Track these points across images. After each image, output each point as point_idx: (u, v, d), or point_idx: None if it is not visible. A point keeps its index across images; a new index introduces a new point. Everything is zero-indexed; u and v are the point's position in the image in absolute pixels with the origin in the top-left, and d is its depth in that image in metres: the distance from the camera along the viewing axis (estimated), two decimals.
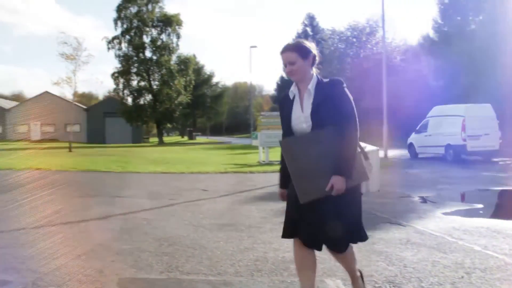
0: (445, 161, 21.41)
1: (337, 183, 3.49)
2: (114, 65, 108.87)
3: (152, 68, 59.48)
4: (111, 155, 25.58)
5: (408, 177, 14.89)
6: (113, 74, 58.77)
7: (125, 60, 58.75)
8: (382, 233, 6.83)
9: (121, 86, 59.43)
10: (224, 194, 11.15)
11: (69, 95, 37.60)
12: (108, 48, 59.24)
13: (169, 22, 59.71)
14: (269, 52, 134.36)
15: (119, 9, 59.03)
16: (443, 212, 8.58)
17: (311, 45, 3.75)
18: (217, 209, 9.20)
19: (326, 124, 3.57)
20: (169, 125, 72.65)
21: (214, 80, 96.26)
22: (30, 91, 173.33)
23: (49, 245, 6.26)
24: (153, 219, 8.17)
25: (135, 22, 59.05)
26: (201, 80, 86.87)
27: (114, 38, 58.88)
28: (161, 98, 58.50)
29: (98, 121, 68.65)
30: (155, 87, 59.75)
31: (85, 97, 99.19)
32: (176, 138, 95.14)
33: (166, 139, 73.77)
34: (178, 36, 61.25)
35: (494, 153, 21.40)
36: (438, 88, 36.76)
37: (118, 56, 58.91)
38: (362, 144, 3.85)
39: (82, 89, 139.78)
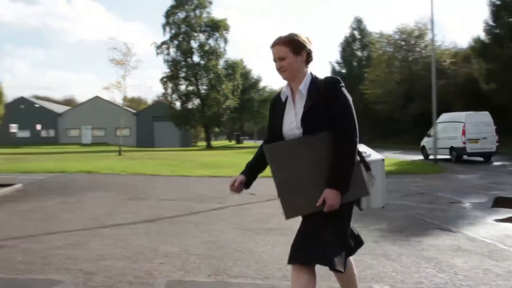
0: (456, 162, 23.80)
1: (330, 198, 3.04)
2: (163, 70, 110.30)
3: (200, 72, 59.91)
4: (160, 159, 25.91)
5: (458, 183, 14.60)
6: (161, 79, 59.50)
7: (174, 65, 59.39)
8: (432, 240, 6.72)
9: (169, 90, 60.10)
10: (272, 198, 11.11)
11: (119, 100, 38.18)
12: (157, 53, 60.06)
13: (216, 27, 60.09)
14: (316, 56, 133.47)
15: (168, 14, 59.74)
16: (495, 219, 8.37)
17: (305, 40, 3.32)
18: (264, 213, 9.20)
19: (319, 129, 3.14)
20: (216, 129, 73.22)
21: (262, 84, 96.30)
22: (82, 96, 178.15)
23: (99, 246, 6.39)
24: (201, 222, 8.23)
25: (183, 28, 59.63)
26: (249, 84, 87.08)
27: (162, 43, 59.61)
28: (209, 103, 58.89)
29: (147, 125, 69.82)
30: (203, 91, 60.19)
31: (134, 102, 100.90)
32: (223, 142, 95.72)
33: (213, 143, 74.26)
34: (226, 41, 61.58)
35: (492, 155, 24.28)
36: (489, 92, 35.93)
37: (166, 61, 59.61)
38: (366, 151, 3.39)
39: (131, 93, 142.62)
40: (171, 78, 59.24)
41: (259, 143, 4.08)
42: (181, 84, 60.49)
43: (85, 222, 8.17)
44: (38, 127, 69.78)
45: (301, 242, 3.15)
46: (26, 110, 70.70)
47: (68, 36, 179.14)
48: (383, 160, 3.33)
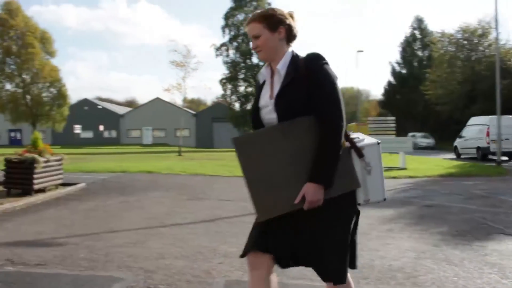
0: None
1: (310, 193, 2.66)
2: (222, 71, 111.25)
3: None
4: (219, 160, 26.10)
5: None
6: (221, 80, 59.97)
7: (233, 66, 59.75)
8: (495, 244, 6.52)
9: (228, 92, 60.51)
10: None
11: (179, 101, 38.87)
12: (216, 55, 60.56)
13: None
14: (376, 56, 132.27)
15: (227, 16, 60.21)
16: None
17: (284, 14, 2.93)
18: None
19: (296, 112, 2.72)
20: None
21: None
22: (143, 97, 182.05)
23: (159, 245, 6.48)
24: None
25: (242, 29, 59.99)
26: None
27: (221, 45, 60.06)
28: None
29: (207, 126, 70.56)
30: None
31: (194, 103, 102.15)
32: None
33: None
34: None
35: None
36: None
37: (225, 62, 60.05)
38: (358, 136, 2.95)
39: (191, 95, 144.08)
40: (230, 80, 59.63)
41: None
42: (240, 86, 60.78)
43: (145, 221, 8.32)
44: (101, 128, 71.70)
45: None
46: (89, 112, 72.74)
47: (129, 38, 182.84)
48: (378, 143, 2.88)
